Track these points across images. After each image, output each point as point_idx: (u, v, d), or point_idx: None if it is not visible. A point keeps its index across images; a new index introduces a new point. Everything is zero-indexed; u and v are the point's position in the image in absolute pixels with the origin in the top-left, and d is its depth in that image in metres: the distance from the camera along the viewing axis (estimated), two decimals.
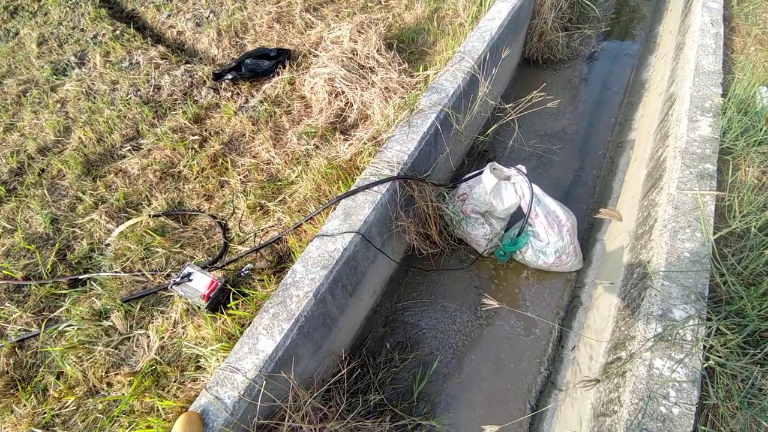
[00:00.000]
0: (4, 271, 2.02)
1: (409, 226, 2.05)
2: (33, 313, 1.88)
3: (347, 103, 2.42)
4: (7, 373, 1.71)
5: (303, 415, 1.47)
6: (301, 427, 1.46)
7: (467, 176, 2.34)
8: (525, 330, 2.21)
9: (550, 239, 2.20)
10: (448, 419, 1.98)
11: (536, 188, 2.18)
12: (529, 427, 1.92)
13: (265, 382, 1.33)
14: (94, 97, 3.05)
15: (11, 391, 1.67)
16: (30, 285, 1.97)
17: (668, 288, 1.41)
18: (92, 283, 1.91)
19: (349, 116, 2.38)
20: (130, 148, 2.62)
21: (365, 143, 2.02)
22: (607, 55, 3.84)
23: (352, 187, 1.79)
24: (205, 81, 3.00)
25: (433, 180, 2.14)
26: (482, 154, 2.93)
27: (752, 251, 1.43)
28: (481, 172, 2.27)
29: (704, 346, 1.27)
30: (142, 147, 2.62)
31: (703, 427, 1.18)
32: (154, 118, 2.80)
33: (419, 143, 1.96)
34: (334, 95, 2.43)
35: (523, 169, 2.21)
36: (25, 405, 1.60)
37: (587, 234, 2.51)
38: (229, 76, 2.77)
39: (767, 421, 1.13)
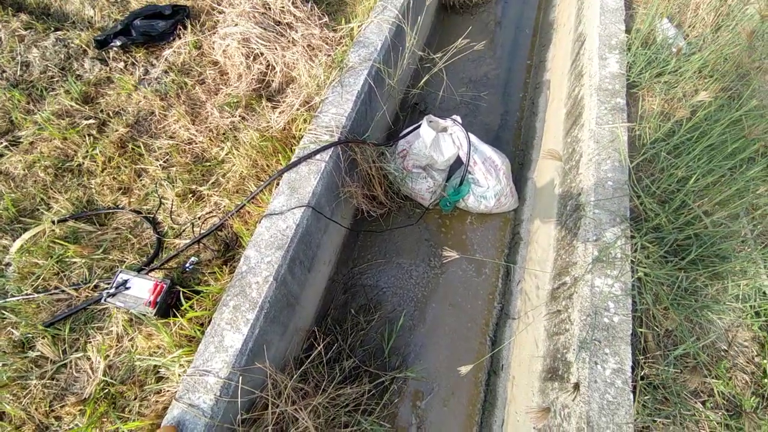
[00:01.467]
0: None
1: (356, 191, 2.00)
2: None
3: (268, 65, 2.19)
4: None
5: (285, 399, 1.45)
6: (286, 410, 1.45)
7: (404, 132, 2.32)
8: (476, 271, 2.37)
9: (489, 184, 2.31)
10: (420, 366, 2.11)
11: (472, 137, 2.25)
12: (491, 355, 2.12)
13: (240, 377, 1.27)
14: None
15: None
16: None
17: (599, 215, 1.57)
18: (2, 311, 1.61)
19: (272, 80, 2.18)
20: (6, 144, 2.15)
21: (298, 109, 1.88)
22: None
23: (293, 159, 1.68)
24: (85, 51, 2.50)
25: (372, 140, 2.08)
26: (414, 107, 2.91)
27: (663, 173, 1.64)
28: (418, 127, 2.26)
29: (632, 261, 1.46)
30: (21, 141, 2.16)
31: (640, 329, 1.39)
32: (28, 102, 2.30)
33: (355, 103, 1.87)
34: (252, 58, 2.19)
35: (458, 119, 2.24)
36: None
37: (518, 174, 2.69)
38: (117, 42, 2.34)
39: (701, 318, 1.36)
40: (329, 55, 2.13)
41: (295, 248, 1.52)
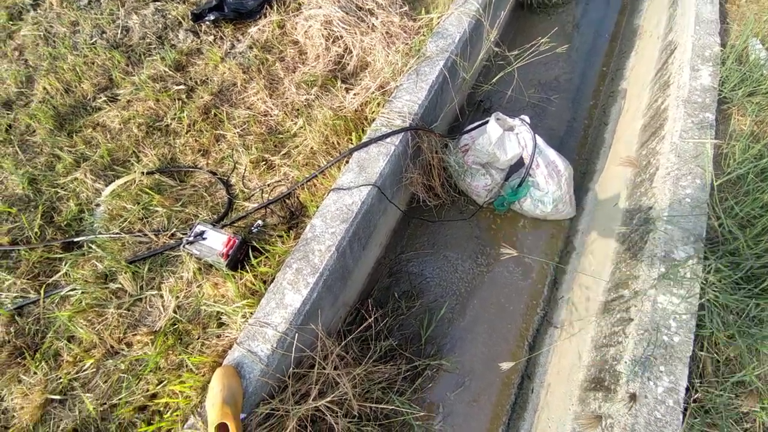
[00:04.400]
0: None
1: (417, 178, 2.04)
2: (28, 279, 1.78)
3: (346, 48, 2.27)
4: (9, 342, 1.65)
5: (330, 363, 1.53)
6: (328, 374, 1.53)
7: (470, 127, 2.32)
8: (522, 275, 2.34)
9: (549, 189, 2.26)
10: (455, 358, 2.13)
11: (538, 139, 2.21)
12: (527, 360, 2.10)
13: (296, 334, 1.36)
14: (54, 42, 2.71)
15: (17, 360, 1.62)
16: (19, 250, 1.85)
17: (671, 231, 1.51)
18: (90, 245, 1.82)
19: (348, 63, 2.26)
20: (105, 99, 2.39)
21: (373, 92, 1.94)
22: (600, 0, 3.76)
23: (364, 139, 1.74)
24: (181, 22, 2.72)
25: (439, 131, 2.11)
26: (479, 104, 2.89)
27: (747, 196, 1.54)
28: (484, 123, 2.26)
29: (702, 283, 1.39)
30: (119, 98, 2.39)
31: (700, 353, 1.33)
32: (127, 65, 2.55)
33: (428, 92, 1.90)
34: (331, 40, 2.28)
35: (527, 119, 2.21)
36: (35, 373, 1.56)
37: (579, 183, 2.60)
38: (211, 17, 2.52)
39: (765, 349, 1.29)
40: (406, 44, 2.17)
41: (358, 224, 1.59)
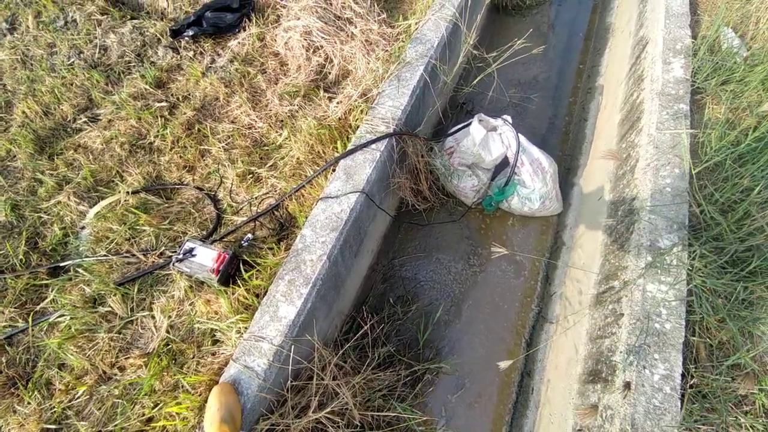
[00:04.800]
0: None
1: (404, 183, 2.06)
2: (15, 308, 1.74)
3: (327, 58, 2.29)
4: (1, 372, 1.61)
5: (328, 373, 1.52)
6: (327, 384, 1.52)
7: (453, 129, 2.35)
8: (515, 273, 2.36)
9: (535, 186, 2.30)
10: (454, 360, 2.13)
11: (521, 137, 2.24)
12: (525, 358, 2.11)
13: (292, 346, 1.35)
14: (32, 65, 2.68)
15: (10, 390, 1.58)
16: (4, 278, 1.81)
17: (654, 221, 1.54)
18: (77, 269, 1.79)
19: (330, 72, 2.27)
20: (85, 119, 2.36)
21: (356, 100, 1.95)
22: (573, 0, 3.86)
23: (350, 146, 1.75)
24: (159, 39, 2.71)
25: (423, 135, 2.13)
26: (461, 106, 2.93)
27: (726, 182, 1.59)
28: (467, 125, 2.29)
29: (689, 269, 1.42)
30: (100, 118, 2.37)
31: (693, 338, 1.36)
32: (107, 84, 2.52)
33: (410, 97, 1.92)
34: (312, 50, 2.29)
35: (509, 119, 2.25)
36: (29, 403, 1.52)
37: (564, 179, 2.65)
38: (190, 32, 2.52)
39: (757, 331, 1.32)
40: (386, 51, 2.19)
41: (348, 231, 1.59)
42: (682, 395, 1.32)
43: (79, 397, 1.50)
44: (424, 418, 1.87)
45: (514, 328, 2.20)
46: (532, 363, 2.10)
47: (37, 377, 1.57)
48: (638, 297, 1.40)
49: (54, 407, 1.49)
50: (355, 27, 2.32)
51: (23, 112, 2.43)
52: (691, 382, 1.37)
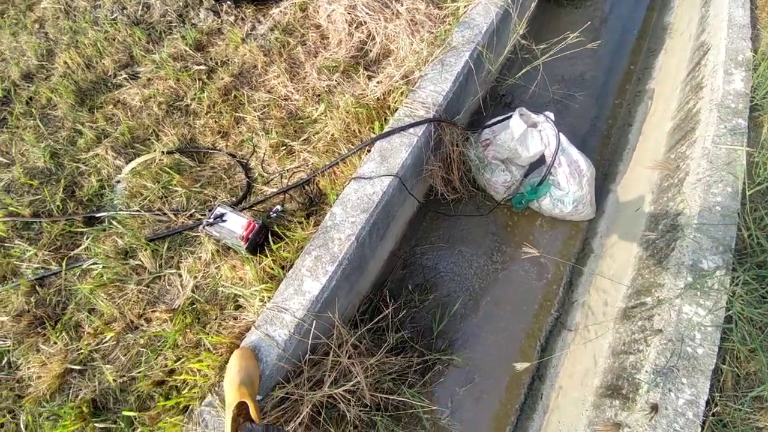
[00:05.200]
0: (9, 207, 1.90)
1: (437, 171, 2.01)
2: (49, 251, 1.81)
3: (369, 35, 2.23)
4: (29, 311, 1.68)
5: (344, 351, 1.54)
6: (342, 362, 1.54)
7: (492, 121, 2.28)
8: (537, 275, 2.32)
9: (570, 189, 2.22)
10: (465, 354, 2.12)
11: (562, 137, 2.16)
12: (538, 362, 2.09)
13: (314, 321, 1.36)
14: (74, 16, 2.70)
15: (36, 329, 1.65)
16: (41, 222, 1.87)
17: (699, 240, 1.47)
18: (111, 221, 1.83)
19: (371, 50, 2.22)
20: (126, 76, 2.38)
21: (396, 81, 1.90)
22: None
23: (387, 128, 1.72)
24: (201, 1, 2.69)
25: (461, 123, 2.07)
26: (501, 98, 2.83)
27: None
28: (507, 118, 2.21)
29: (730, 295, 1.36)
30: (140, 75, 2.39)
31: (722, 365, 1.31)
32: (148, 42, 2.53)
33: (453, 83, 1.86)
34: (354, 26, 2.23)
35: (551, 116, 2.16)
36: (55, 342, 1.59)
37: (601, 184, 2.55)
38: None
39: None
40: (432, 32, 2.12)
41: (378, 214, 1.57)
42: (704, 422, 1.28)
43: (106, 342, 1.56)
44: (432, 408, 1.88)
45: (531, 331, 2.17)
46: (544, 367, 2.08)
47: (66, 319, 1.64)
48: (673, 317, 1.35)
49: (81, 349, 1.56)
50: (401, 5, 2.25)
51: (65, 63, 2.47)
52: (714, 409, 1.33)
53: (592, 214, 2.40)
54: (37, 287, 1.74)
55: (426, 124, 1.71)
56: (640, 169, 2.27)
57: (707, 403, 1.28)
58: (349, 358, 1.55)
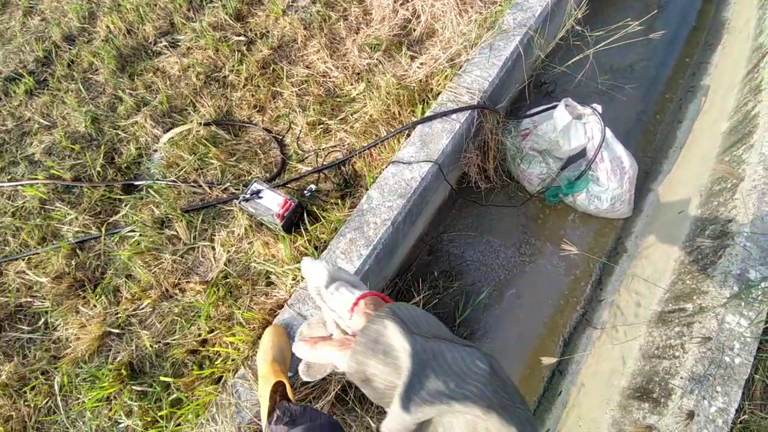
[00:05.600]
0: (51, 170, 1.96)
1: (473, 159, 1.97)
2: (90, 216, 1.86)
3: (414, 12, 2.15)
4: (69, 274, 1.74)
5: None
6: None
7: (534, 110, 2.20)
8: (565, 271, 2.27)
9: (609, 185, 2.14)
10: (486, 345, 2.12)
11: (608, 131, 2.07)
12: (560, 358, 2.07)
13: None
14: None
15: (76, 292, 1.70)
16: (82, 187, 1.92)
17: (750, 249, 1.40)
18: (148, 190, 1.87)
19: (415, 29, 2.14)
20: (166, 43, 2.38)
21: (441, 64, 1.84)
22: None
23: (429, 112, 1.67)
24: None
25: (503, 111, 2.00)
26: (542, 86, 2.72)
27: None
28: (551, 108, 2.12)
29: None
30: (179, 44, 2.38)
31: (756, 375, 1.27)
32: (188, 9, 2.51)
33: (501, 69, 1.79)
34: (400, 2, 2.15)
35: (599, 109, 2.06)
36: (95, 306, 1.65)
37: (640, 183, 2.45)
38: None
39: None
40: (481, 13, 2.02)
41: (415, 200, 1.55)
42: (731, 429, 1.26)
43: (143, 308, 1.61)
44: None
45: (554, 326, 2.15)
46: (566, 363, 2.06)
47: (106, 283, 1.70)
48: (714, 326, 1.31)
49: (119, 313, 1.62)
50: None
51: (107, 26, 2.47)
52: (742, 417, 1.30)
53: (629, 213, 2.32)
54: (77, 250, 1.80)
55: (469, 111, 1.66)
56: (688, 169, 2.16)
57: (737, 411, 1.25)
58: None
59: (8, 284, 1.72)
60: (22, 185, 1.93)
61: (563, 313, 2.18)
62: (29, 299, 1.69)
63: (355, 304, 0.56)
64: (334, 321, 0.58)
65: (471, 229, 2.40)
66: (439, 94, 1.76)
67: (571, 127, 2.08)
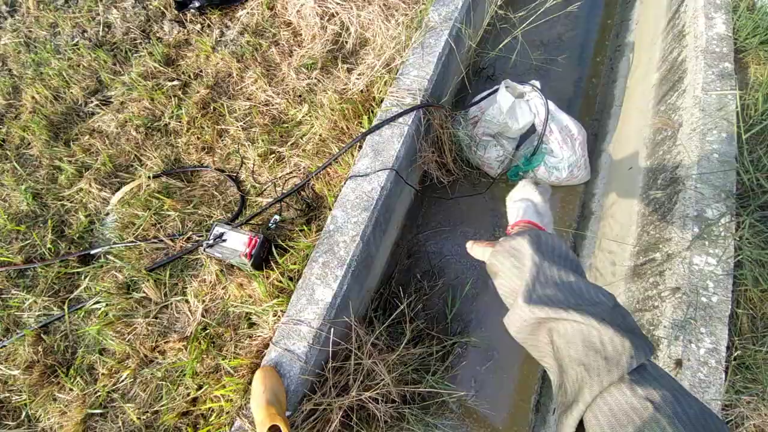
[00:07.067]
0: (0, 257, 1.85)
1: (429, 156, 1.98)
2: (48, 296, 1.76)
3: (342, 26, 2.16)
4: (39, 361, 1.64)
5: (364, 353, 1.53)
6: (363, 363, 1.53)
7: (478, 98, 2.24)
8: None
9: (563, 155, 2.21)
10: (482, 334, 2.14)
11: (550, 104, 2.13)
12: None
13: (332, 328, 1.35)
14: (35, 47, 2.58)
15: (49, 379, 1.61)
16: (35, 268, 1.82)
17: (701, 189, 1.47)
18: (107, 256, 1.79)
19: (346, 42, 2.15)
20: (97, 102, 2.30)
21: (378, 70, 1.85)
22: None
23: (375, 121, 1.68)
24: (164, 13, 2.58)
25: (447, 104, 2.03)
26: (481, 71, 2.79)
27: None
28: (493, 92, 2.18)
29: (737, 240, 1.37)
30: (111, 100, 2.30)
31: (738, 310, 1.32)
32: (114, 63, 2.43)
33: (436, 66, 1.81)
34: (326, 18, 2.16)
35: (538, 84, 2.13)
36: (71, 389, 1.56)
37: (592, 145, 2.54)
38: (196, 4, 2.39)
39: None
40: (406, 15, 2.06)
41: (379, 210, 1.55)
42: (726, 368, 1.31)
43: (123, 380, 1.53)
44: (460, 393, 1.89)
45: None
46: None
47: (78, 363, 1.61)
48: (684, 270, 1.36)
49: (98, 391, 1.53)
50: None
51: (33, 98, 2.37)
52: (735, 354, 1.35)
53: (588, 177, 2.40)
54: (42, 335, 1.70)
55: (415, 111, 1.68)
56: (631, 124, 2.26)
57: (727, 348, 1.30)
58: (370, 357, 1.55)
59: None
60: None
61: None
62: (7, 394, 1.59)
63: (517, 224, 0.82)
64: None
65: (444, 224, 2.42)
66: (382, 101, 1.77)
67: (516, 106, 2.14)
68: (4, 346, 1.67)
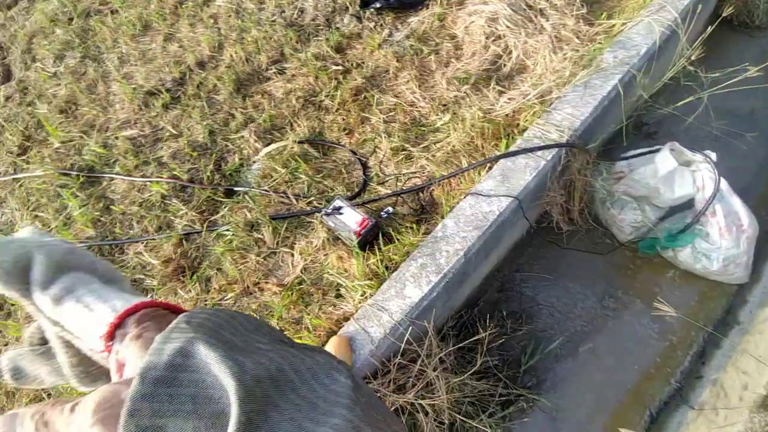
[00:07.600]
0: (174, 172, 2.29)
1: (557, 198, 1.87)
2: (196, 213, 2.13)
3: (506, 48, 2.17)
4: (175, 260, 2.00)
5: (432, 363, 1.52)
6: (427, 373, 1.52)
7: (631, 153, 2.04)
8: (659, 334, 2.00)
9: (722, 244, 1.87)
10: (554, 398, 1.93)
11: (723, 183, 1.83)
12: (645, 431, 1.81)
13: (411, 327, 1.37)
14: (243, 16, 3.13)
15: (178, 276, 1.95)
16: (194, 187, 2.22)
17: None
18: (245, 196, 2.09)
19: (505, 65, 2.15)
20: (275, 70, 2.69)
21: (530, 99, 1.82)
22: None
23: (513, 147, 1.65)
24: (347, 8, 2.90)
25: (594, 151, 1.89)
26: (642, 127, 2.52)
27: None
28: (652, 152, 1.96)
29: None
30: (286, 71, 2.67)
31: None
32: (297, 42, 2.82)
33: (595, 109, 1.71)
34: (492, 38, 2.19)
35: (713, 156, 1.85)
36: (189, 290, 1.87)
37: (762, 245, 2.10)
38: (377, 4, 2.64)
39: None
40: (577, 51, 1.97)
41: (491, 233, 1.52)
42: None
43: (227, 299, 1.78)
44: None
45: (639, 395, 1.89)
46: None
47: (201, 273, 1.91)
48: None
49: (207, 300, 1.81)
50: (547, 20, 2.14)
51: (231, 55, 2.88)
52: None
53: (746, 279, 2.00)
54: (183, 241, 2.06)
55: (556, 149, 1.60)
56: None
57: None
58: (434, 370, 1.53)
59: (128, 262, 2.02)
60: (150, 181, 2.28)
61: (652, 383, 1.91)
62: (142, 276, 1.98)
63: (116, 325, 0.37)
64: (67, 342, 0.36)
65: (548, 271, 2.25)
66: (525, 129, 1.73)
67: (677, 173, 1.89)
68: (155, 239, 2.07)
